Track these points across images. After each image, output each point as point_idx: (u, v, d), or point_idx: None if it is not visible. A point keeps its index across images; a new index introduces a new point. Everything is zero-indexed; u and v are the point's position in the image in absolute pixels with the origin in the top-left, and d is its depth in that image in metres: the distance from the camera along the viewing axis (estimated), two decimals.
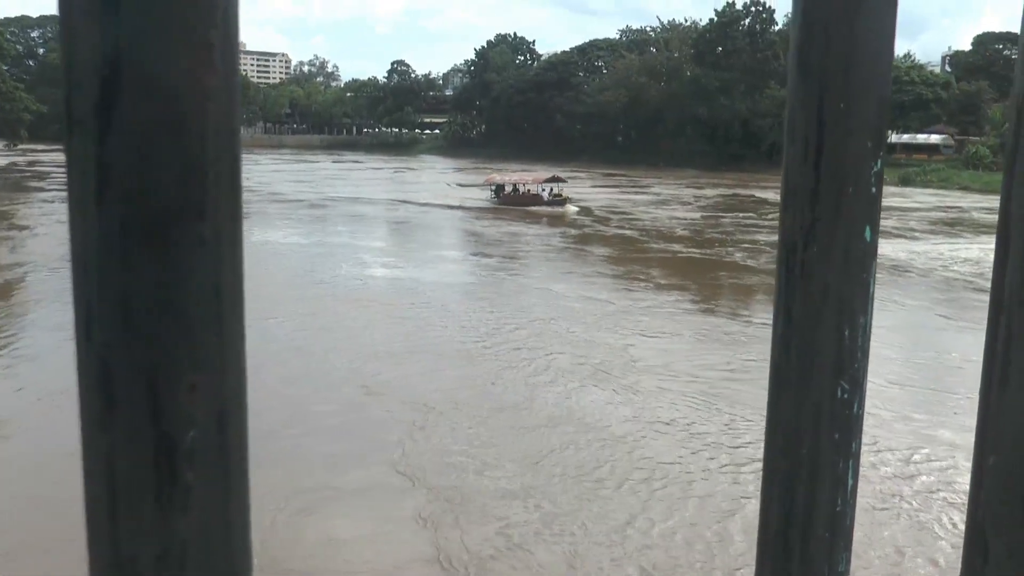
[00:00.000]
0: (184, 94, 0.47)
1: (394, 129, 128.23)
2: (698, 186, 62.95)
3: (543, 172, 51.17)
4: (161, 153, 0.47)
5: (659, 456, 11.12)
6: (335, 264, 26.07)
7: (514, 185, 45.05)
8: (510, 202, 42.80)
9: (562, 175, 49.05)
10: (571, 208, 41.14)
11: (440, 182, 61.51)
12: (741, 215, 42.51)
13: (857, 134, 0.77)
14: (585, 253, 29.59)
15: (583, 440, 11.66)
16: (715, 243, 32.10)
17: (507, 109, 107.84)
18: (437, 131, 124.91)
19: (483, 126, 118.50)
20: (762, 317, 19.62)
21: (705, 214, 42.95)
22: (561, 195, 42.70)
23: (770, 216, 42.40)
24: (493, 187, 45.44)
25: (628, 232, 35.27)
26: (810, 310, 0.79)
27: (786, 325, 0.80)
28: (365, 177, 67.46)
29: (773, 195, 53.93)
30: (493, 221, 37.13)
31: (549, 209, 40.87)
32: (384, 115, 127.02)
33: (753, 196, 54.24)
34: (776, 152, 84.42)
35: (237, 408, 0.52)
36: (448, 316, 19.19)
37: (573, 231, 35.34)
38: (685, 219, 40.53)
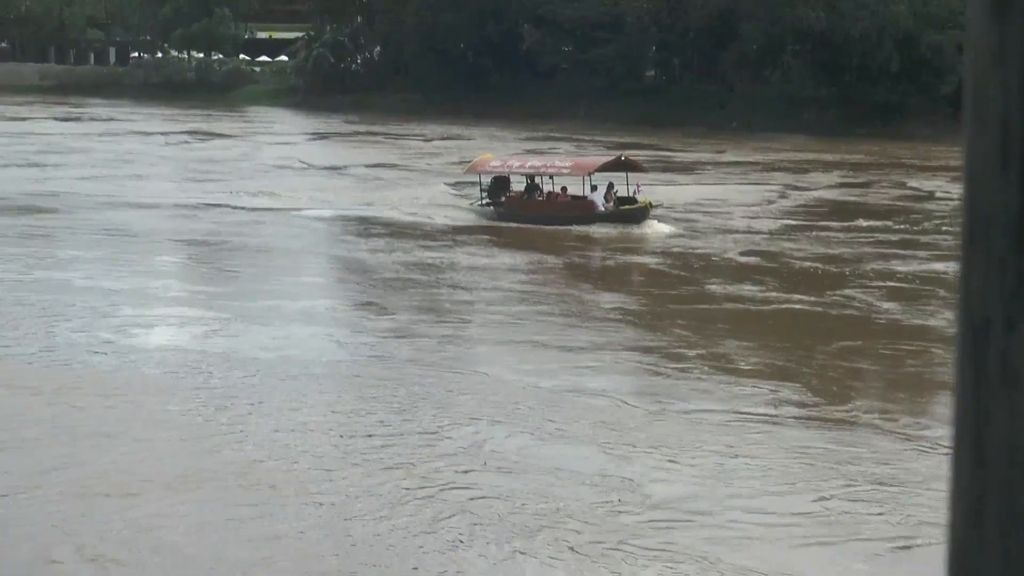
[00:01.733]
0: None
1: (196, 55, 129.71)
2: (802, 166, 64.35)
3: (596, 156, 50.94)
4: None
5: None
6: (60, 321, 26.45)
7: (531, 180, 45.75)
8: (525, 214, 43.65)
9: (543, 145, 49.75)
10: (660, 227, 42.11)
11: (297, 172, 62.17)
12: (884, 225, 43.80)
13: None
14: (577, 300, 30.37)
15: None
16: (834, 282, 32.92)
17: (423, 16, 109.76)
18: (284, 59, 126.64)
19: (375, 49, 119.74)
20: (935, 430, 20.10)
21: (807, 222, 44.34)
22: (635, 199, 43.05)
23: (937, 221, 43.60)
24: (485, 185, 46.48)
25: (658, 261, 36.19)
26: (1020, 444, 0.84)
27: (976, 467, 0.86)
28: (134, 150, 67.88)
29: (949, 183, 55.23)
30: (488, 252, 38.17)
31: (612, 231, 41.48)
32: (174, 26, 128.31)
33: (907, 188, 55.69)
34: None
35: None
36: (278, 429, 19.43)
37: (550, 258, 36.43)
38: (769, 232, 41.69)
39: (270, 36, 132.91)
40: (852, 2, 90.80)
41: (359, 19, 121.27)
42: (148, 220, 43.20)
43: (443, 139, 79.02)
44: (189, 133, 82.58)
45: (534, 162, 48.59)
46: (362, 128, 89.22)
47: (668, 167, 63.79)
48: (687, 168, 63.76)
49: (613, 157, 47.09)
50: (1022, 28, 0.84)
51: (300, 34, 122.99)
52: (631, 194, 43.13)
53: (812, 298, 30.85)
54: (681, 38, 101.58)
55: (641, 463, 17.97)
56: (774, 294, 31.46)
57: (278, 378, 22.63)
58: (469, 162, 49.92)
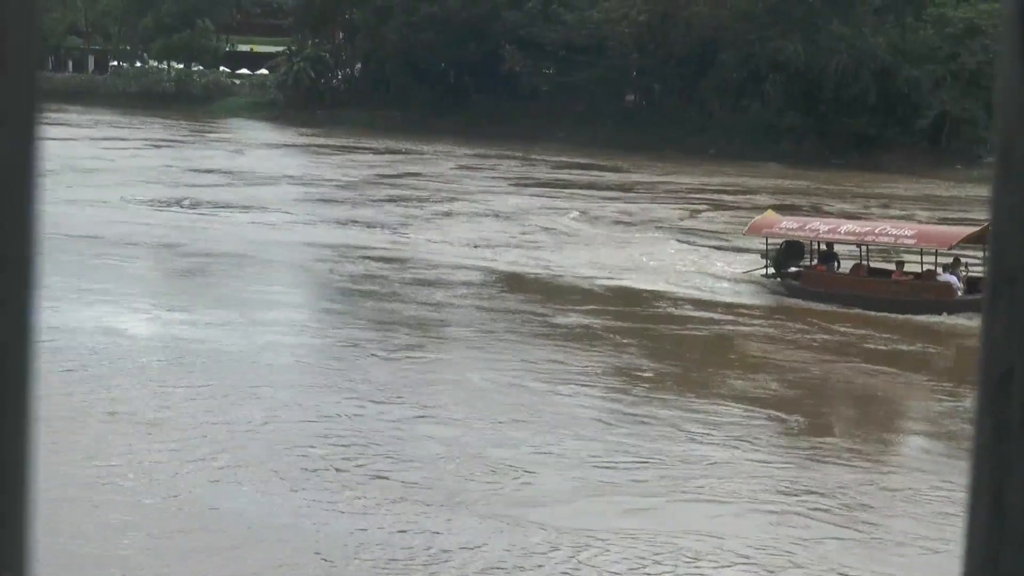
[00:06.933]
0: None
1: (177, 65, 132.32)
2: (736, 190, 66.51)
3: (954, 226, 43.87)
4: None
5: None
6: None
7: (829, 248, 39.36)
8: (837, 293, 36.33)
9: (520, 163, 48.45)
10: None
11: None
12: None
13: None
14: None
15: None
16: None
17: (404, 34, 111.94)
18: (265, 71, 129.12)
19: (356, 66, 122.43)
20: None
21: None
22: None
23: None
24: (770, 251, 39.21)
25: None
26: None
27: (994, 517, 0.94)
28: (97, 155, 70.23)
29: (860, 208, 57.41)
30: None
31: (971, 324, 31.93)
32: (155, 37, 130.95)
33: (822, 212, 57.42)
34: (947, 131, 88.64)
35: None
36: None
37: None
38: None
39: (251, 49, 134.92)
40: (830, 35, 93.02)
41: (341, 35, 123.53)
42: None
43: (393, 152, 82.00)
44: (168, 139, 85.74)
45: (851, 226, 40.20)
46: (319, 141, 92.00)
47: (593, 184, 66.68)
48: (613, 187, 66.11)
49: (980, 227, 36.30)
50: None
51: (281, 48, 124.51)
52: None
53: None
54: (662, 64, 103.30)
55: None
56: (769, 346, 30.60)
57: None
58: (756, 223, 41.10)
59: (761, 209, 57.47)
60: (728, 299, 36.34)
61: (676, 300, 35.75)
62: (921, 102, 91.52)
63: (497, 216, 51.57)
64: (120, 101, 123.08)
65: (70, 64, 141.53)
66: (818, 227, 39.75)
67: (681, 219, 53.78)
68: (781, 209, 55.55)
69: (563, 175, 70.66)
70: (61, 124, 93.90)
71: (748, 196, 63.38)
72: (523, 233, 47.46)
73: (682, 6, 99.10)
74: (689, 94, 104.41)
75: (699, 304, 35.24)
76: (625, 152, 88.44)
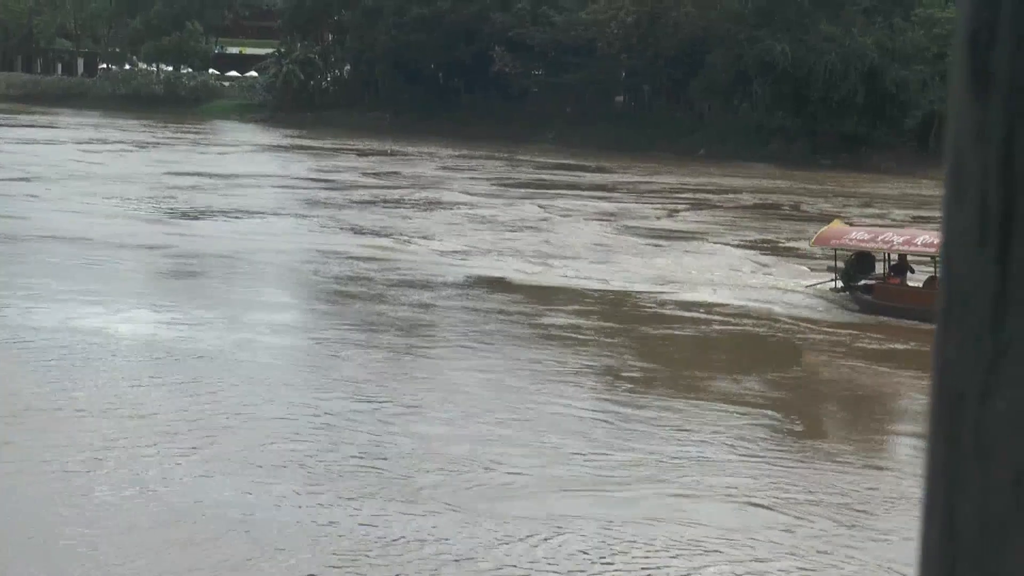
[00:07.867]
0: None
1: (166, 67, 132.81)
2: (718, 189, 67.05)
3: None
4: None
5: None
6: None
7: (901, 259, 36.64)
8: (916, 309, 32.03)
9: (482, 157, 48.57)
10: None
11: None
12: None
13: None
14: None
15: None
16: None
17: (394, 35, 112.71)
18: (254, 74, 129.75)
19: (345, 68, 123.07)
20: None
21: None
22: None
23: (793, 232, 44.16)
24: (840, 263, 37.14)
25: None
26: (991, 516, 0.91)
27: (947, 537, 0.94)
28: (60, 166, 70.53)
29: (835, 207, 57.50)
30: None
31: None
32: (144, 39, 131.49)
33: (800, 210, 57.63)
34: (935, 132, 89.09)
35: None
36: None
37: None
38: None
39: (241, 51, 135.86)
40: (819, 35, 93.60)
41: (330, 37, 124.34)
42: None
43: (381, 154, 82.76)
44: (132, 143, 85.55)
45: (927, 237, 35.73)
46: (308, 143, 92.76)
47: (575, 185, 67.20)
48: (596, 187, 66.79)
49: None
50: (1001, 107, 0.89)
51: (271, 50, 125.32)
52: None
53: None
54: (651, 65, 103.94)
55: None
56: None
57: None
58: (823, 233, 38.97)
59: (744, 208, 58.11)
60: (800, 313, 34.54)
61: (757, 317, 33.76)
62: (909, 102, 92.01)
63: (484, 218, 51.81)
64: (109, 103, 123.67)
65: (59, 67, 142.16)
66: (891, 239, 36.72)
67: (658, 218, 54.15)
68: (763, 208, 55.94)
69: (546, 176, 71.17)
70: (49, 127, 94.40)
71: (732, 196, 63.98)
72: (514, 234, 47.89)
73: (670, 7, 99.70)
74: (678, 95, 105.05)
75: (772, 320, 33.61)
76: (615, 153, 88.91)
